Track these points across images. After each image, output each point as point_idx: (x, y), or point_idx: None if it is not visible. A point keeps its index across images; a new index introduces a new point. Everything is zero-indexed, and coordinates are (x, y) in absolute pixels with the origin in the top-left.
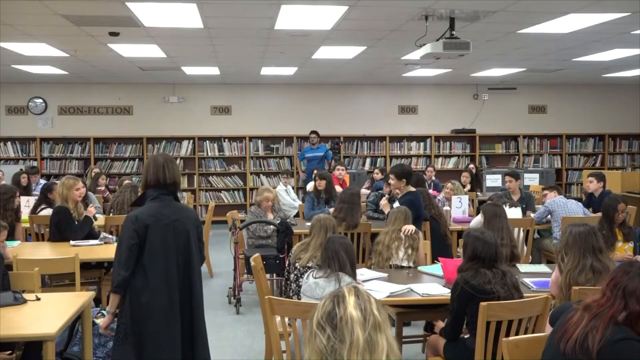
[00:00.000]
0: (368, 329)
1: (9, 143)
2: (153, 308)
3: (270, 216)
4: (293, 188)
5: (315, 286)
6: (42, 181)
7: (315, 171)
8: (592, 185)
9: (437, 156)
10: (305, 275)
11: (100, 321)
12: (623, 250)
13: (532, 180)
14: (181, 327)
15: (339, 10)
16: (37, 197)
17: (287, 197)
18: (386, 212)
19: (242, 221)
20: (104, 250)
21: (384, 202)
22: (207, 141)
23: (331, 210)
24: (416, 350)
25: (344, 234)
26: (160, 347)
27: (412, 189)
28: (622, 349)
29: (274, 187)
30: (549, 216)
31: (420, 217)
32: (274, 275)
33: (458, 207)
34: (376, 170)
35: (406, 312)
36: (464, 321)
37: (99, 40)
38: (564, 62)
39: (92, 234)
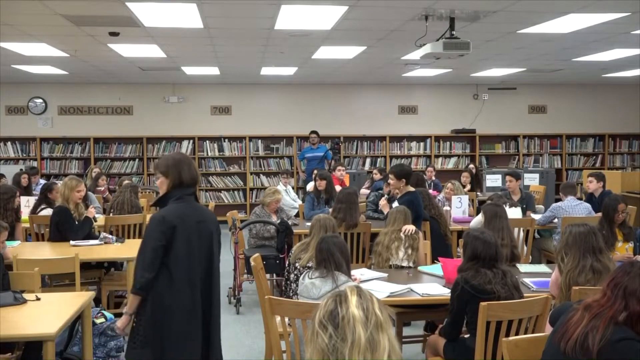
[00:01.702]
0: (370, 328)
1: (9, 143)
2: (176, 310)
3: (274, 217)
4: (293, 188)
5: (312, 286)
6: (42, 181)
7: (315, 171)
8: (592, 185)
9: (437, 156)
10: (302, 276)
11: (100, 321)
12: (624, 249)
13: (532, 180)
14: (201, 329)
15: (339, 10)
16: (37, 197)
17: (287, 197)
18: (385, 212)
19: (242, 221)
20: (104, 250)
21: (383, 202)
22: (207, 141)
23: (330, 210)
24: (416, 350)
25: (344, 234)
26: (182, 350)
27: (412, 189)
28: (623, 349)
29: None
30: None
31: (419, 217)
32: (274, 275)
33: (458, 207)
34: (375, 171)
35: (406, 312)
36: (463, 321)
37: (99, 40)
38: (564, 62)
39: (90, 235)
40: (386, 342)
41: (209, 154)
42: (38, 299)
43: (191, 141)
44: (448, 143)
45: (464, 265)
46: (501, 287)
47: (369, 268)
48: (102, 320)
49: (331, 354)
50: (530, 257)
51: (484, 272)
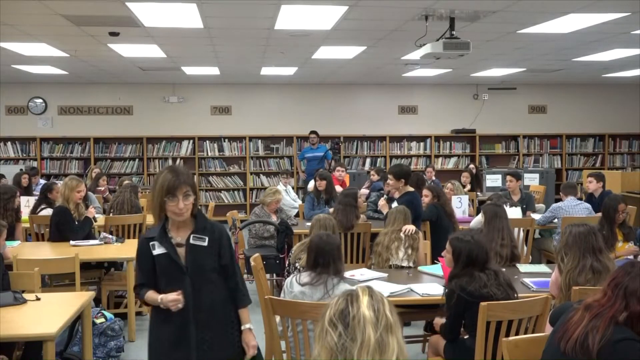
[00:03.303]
0: (380, 329)
1: (9, 143)
2: None
3: (274, 217)
4: (293, 188)
5: (302, 296)
6: (42, 181)
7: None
8: (592, 186)
9: (437, 156)
10: (288, 282)
11: (100, 321)
12: (624, 249)
13: (532, 180)
14: None
15: (339, 10)
16: (37, 197)
17: (287, 197)
18: (384, 212)
19: (242, 221)
20: (104, 250)
21: (382, 202)
22: (207, 141)
23: (330, 210)
24: (416, 350)
25: (344, 235)
26: None
27: (411, 189)
28: (623, 349)
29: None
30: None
31: (419, 217)
32: (274, 275)
33: (458, 207)
34: (372, 172)
35: (406, 312)
36: (462, 323)
37: (99, 40)
38: (564, 62)
39: (90, 236)
40: (395, 344)
41: (209, 154)
42: (38, 299)
43: (191, 141)
44: (448, 143)
45: (459, 271)
46: (496, 288)
47: (369, 268)
48: (102, 320)
49: (340, 353)
50: (530, 257)
51: (478, 276)
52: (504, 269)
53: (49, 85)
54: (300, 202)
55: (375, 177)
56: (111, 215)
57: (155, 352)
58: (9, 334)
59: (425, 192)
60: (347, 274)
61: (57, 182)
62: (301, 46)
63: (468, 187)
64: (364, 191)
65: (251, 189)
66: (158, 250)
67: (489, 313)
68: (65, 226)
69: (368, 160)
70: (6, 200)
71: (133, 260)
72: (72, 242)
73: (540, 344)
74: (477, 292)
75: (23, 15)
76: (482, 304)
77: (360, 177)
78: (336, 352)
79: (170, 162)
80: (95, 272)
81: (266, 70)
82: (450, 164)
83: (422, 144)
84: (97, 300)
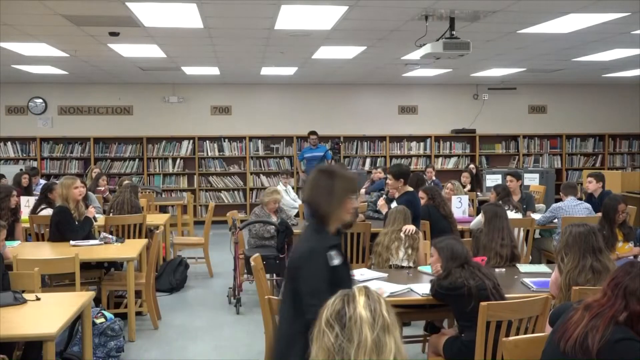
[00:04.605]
0: (377, 329)
1: (9, 143)
2: None
3: (273, 217)
4: (293, 188)
5: None
6: (42, 181)
7: None
8: (592, 186)
9: (437, 156)
10: (284, 284)
11: (100, 321)
12: (624, 249)
13: (532, 180)
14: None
15: (339, 10)
16: (37, 197)
17: (287, 197)
18: (383, 212)
19: (242, 221)
20: (104, 250)
21: (381, 202)
22: (207, 141)
23: None
24: (416, 350)
25: (344, 234)
26: None
27: (410, 188)
28: (622, 349)
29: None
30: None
31: (418, 217)
32: (274, 275)
33: (458, 207)
34: (379, 169)
35: (406, 312)
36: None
37: (99, 40)
38: (564, 62)
39: (89, 236)
40: (392, 344)
41: (209, 154)
42: (38, 299)
43: (191, 141)
44: (448, 143)
45: (442, 269)
46: (471, 279)
47: (369, 268)
48: (102, 320)
49: (337, 354)
50: (530, 257)
51: (453, 271)
52: (503, 269)
53: (49, 85)
54: (300, 202)
55: (381, 175)
56: (111, 215)
57: None
58: (9, 334)
59: (420, 193)
60: None
61: (57, 182)
62: (301, 46)
63: (468, 187)
64: (363, 191)
65: (251, 189)
66: (337, 259)
67: (488, 313)
68: (65, 226)
69: (368, 160)
70: (1, 200)
71: (133, 260)
72: (72, 242)
73: (540, 344)
74: (450, 285)
75: (23, 15)
76: (482, 304)
77: (360, 177)
78: (333, 352)
79: (170, 162)
80: (95, 272)
81: (266, 70)
82: (450, 164)
83: (422, 144)
84: (97, 300)
